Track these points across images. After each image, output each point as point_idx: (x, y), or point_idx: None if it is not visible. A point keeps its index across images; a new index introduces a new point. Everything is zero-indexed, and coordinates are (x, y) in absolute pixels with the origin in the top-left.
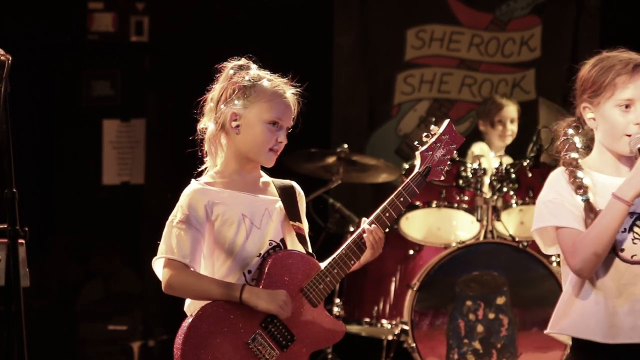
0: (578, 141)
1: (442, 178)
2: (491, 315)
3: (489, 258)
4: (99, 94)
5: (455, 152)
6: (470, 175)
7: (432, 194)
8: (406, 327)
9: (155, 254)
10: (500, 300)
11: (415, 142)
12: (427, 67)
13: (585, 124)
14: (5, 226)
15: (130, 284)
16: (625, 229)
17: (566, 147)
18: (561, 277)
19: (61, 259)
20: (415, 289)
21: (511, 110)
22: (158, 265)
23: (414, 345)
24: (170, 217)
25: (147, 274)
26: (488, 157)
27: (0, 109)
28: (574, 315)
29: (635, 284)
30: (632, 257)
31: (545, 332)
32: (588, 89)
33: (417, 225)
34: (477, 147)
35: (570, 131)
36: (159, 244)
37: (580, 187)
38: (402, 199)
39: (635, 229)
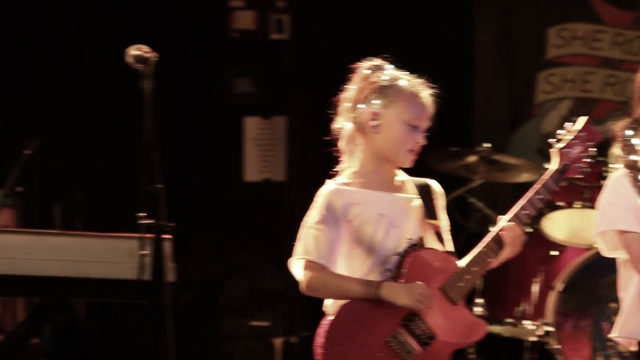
0: (638, 142)
1: (581, 176)
2: None
3: None
4: (240, 91)
5: (593, 150)
6: None
7: (574, 194)
8: (549, 329)
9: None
10: None
11: (552, 140)
12: (569, 65)
13: None
14: (152, 222)
15: (273, 281)
16: None
17: (626, 149)
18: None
19: (204, 255)
20: (559, 290)
21: None
22: (295, 266)
23: (558, 346)
24: (306, 218)
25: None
26: None
27: (146, 106)
28: None
29: None
30: None
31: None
32: None
33: (559, 225)
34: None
35: (629, 132)
36: (291, 242)
37: None
38: (540, 197)
39: None
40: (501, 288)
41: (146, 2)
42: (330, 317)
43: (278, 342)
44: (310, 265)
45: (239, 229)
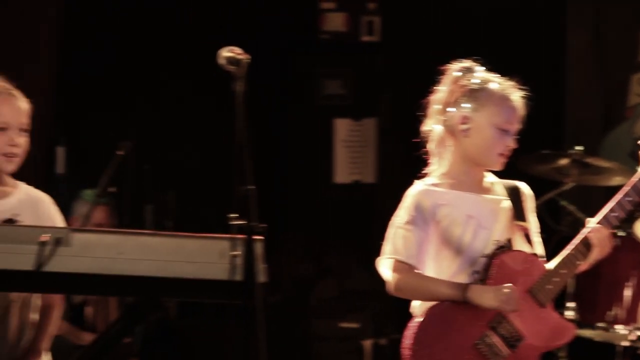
0: None
1: None
2: None
3: None
4: (330, 93)
5: None
6: None
7: None
8: None
9: None
10: None
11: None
12: None
13: None
14: (244, 222)
15: (363, 282)
16: None
17: None
18: None
19: (295, 256)
20: None
21: None
22: (383, 266)
23: None
24: (394, 219)
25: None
26: None
27: (238, 107)
28: None
29: None
30: None
31: None
32: None
33: None
34: None
35: None
36: (381, 243)
37: None
38: (629, 199)
39: None
40: (593, 292)
41: (238, 4)
42: (418, 319)
43: (368, 344)
44: (398, 265)
45: (329, 230)
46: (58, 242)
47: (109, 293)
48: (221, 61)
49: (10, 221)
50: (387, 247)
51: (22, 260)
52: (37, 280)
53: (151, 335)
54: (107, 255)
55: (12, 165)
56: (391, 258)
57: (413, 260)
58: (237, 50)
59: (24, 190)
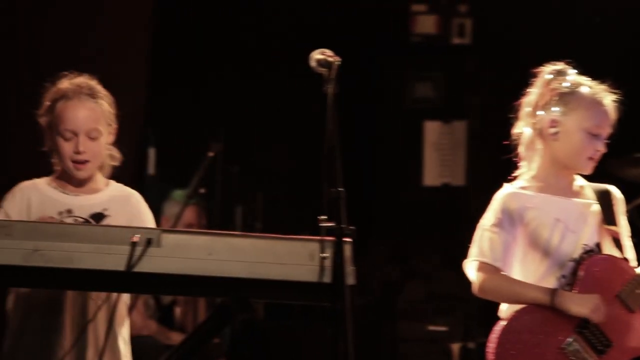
0: None
1: None
2: None
3: None
4: (420, 95)
5: None
6: None
7: None
8: None
9: None
10: None
11: None
12: None
13: None
14: (333, 225)
15: (451, 285)
16: None
17: None
18: None
19: (382, 259)
20: None
21: None
22: (470, 268)
23: None
24: (482, 221)
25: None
26: None
27: (328, 110)
28: None
29: None
30: None
31: None
32: None
33: None
34: None
35: None
36: (469, 246)
37: None
38: None
39: None
40: None
41: (329, 6)
42: (504, 322)
43: (455, 347)
44: (484, 267)
45: (417, 233)
46: (149, 242)
47: (198, 294)
48: (312, 63)
49: (99, 215)
50: (474, 249)
51: (113, 260)
52: (128, 280)
53: (239, 336)
54: (197, 256)
55: (82, 172)
56: (477, 260)
57: (499, 263)
58: (328, 52)
59: (115, 187)
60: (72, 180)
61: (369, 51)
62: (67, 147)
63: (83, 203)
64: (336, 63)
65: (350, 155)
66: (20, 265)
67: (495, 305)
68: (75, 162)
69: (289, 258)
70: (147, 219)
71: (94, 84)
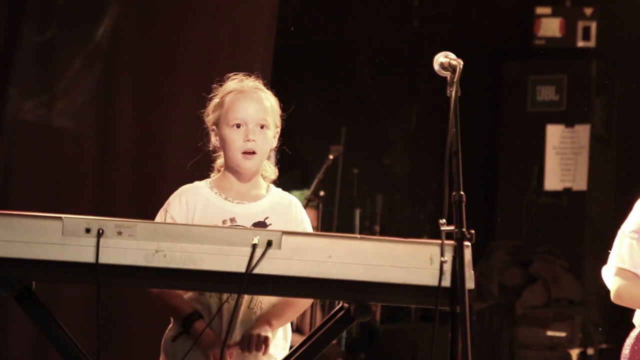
0: None
1: None
2: None
3: None
4: (544, 99)
5: None
6: None
7: None
8: None
9: (598, 261)
10: None
11: None
12: None
13: None
14: (453, 228)
15: (571, 291)
16: None
17: None
18: None
19: (502, 263)
20: None
21: None
22: (608, 274)
23: None
24: (622, 227)
25: (588, 280)
26: None
27: (451, 113)
28: None
29: None
30: None
31: None
32: None
33: None
34: None
35: None
36: (609, 253)
37: None
38: None
39: None
40: None
41: (452, 9)
42: (637, 330)
43: (574, 353)
44: (622, 273)
45: (538, 237)
46: (269, 244)
47: (317, 296)
48: (436, 67)
49: (262, 224)
50: (613, 255)
51: (234, 262)
52: (247, 282)
53: (356, 338)
54: (317, 259)
55: (250, 163)
56: (616, 266)
57: (638, 270)
58: (452, 55)
59: (276, 194)
60: (233, 184)
61: (492, 54)
62: (236, 137)
63: (247, 211)
64: (459, 66)
65: (472, 158)
66: (142, 265)
67: (619, 312)
68: (244, 152)
69: (408, 261)
70: (307, 227)
71: (260, 83)
